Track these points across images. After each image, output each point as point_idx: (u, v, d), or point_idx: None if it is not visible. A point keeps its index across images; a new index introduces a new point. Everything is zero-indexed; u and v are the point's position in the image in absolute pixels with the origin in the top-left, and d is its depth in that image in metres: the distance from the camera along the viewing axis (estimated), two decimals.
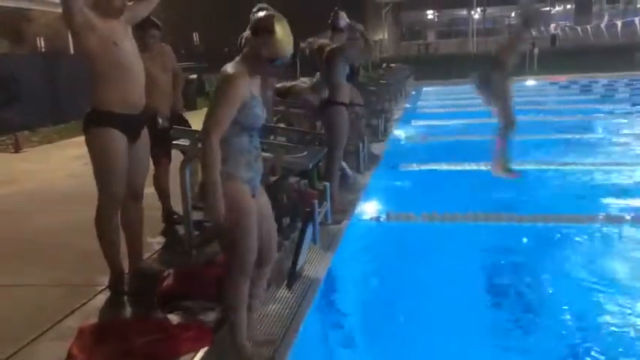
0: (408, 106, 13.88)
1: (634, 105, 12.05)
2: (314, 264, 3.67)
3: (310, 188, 4.68)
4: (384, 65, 15.88)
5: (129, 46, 3.13)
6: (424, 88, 18.62)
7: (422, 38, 36.30)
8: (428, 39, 36.30)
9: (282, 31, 2.33)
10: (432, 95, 16.96)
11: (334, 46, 4.66)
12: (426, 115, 12.37)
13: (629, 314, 3.20)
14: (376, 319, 3.26)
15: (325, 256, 3.84)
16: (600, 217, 4.81)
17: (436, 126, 10.76)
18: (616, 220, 4.75)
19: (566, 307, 3.32)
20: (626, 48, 22.96)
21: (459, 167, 6.88)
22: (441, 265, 4.00)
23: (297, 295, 3.24)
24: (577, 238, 4.44)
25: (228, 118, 2.30)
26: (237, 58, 2.42)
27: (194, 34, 23.27)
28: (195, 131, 3.49)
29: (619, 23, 22.40)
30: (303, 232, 3.32)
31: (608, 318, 3.16)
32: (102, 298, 3.34)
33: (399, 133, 9.76)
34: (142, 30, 4.06)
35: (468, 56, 27.44)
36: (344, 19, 4.60)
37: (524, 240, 4.54)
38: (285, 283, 3.24)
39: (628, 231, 4.53)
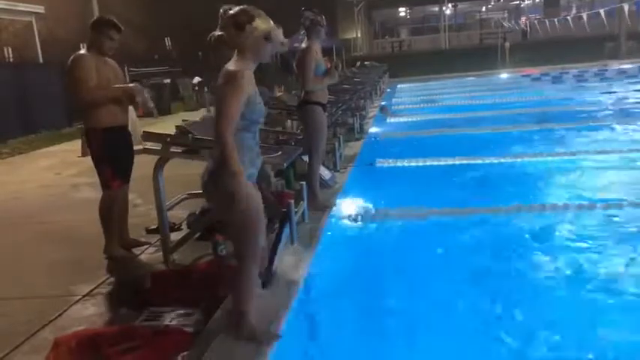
0: (383, 103, 13.95)
1: (603, 93, 12.30)
2: (293, 264, 3.65)
3: (287, 188, 4.69)
4: (358, 63, 15.92)
5: None
6: (399, 85, 18.75)
7: (395, 35, 36.50)
8: (401, 36, 36.51)
9: (259, 12, 2.55)
10: (407, 92, 17.06)
11: (304, 47, 4.65)
12: (401, 111, 12.44)
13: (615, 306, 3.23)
14: (357, 319, 3.25)
15: (304, 255, 3.82)
16: (581, 205, 4.87)
17: (411, 122, 10.83)
18: (590, 207, 4.83)
19: (550, 299, 3.34)
20: (594, 39, 23.40)
21: (435, 162, 6.93)
22: (422, 260, 4.01)
23: (276, 295, 3.22)
24: (557, 227, 4.47)
25: (237, 114, 2.42)
26: (235, 57, 2.55)
27: (166, 39, 23.04)
28: (167, 135, 3.45)
29: (585, 15, 22.83)
30: (279, 232, 3.30)
31: (597, 310, 3.18)
32: (77, 309, 3.28)
33: (375, 130, 9.80)
34: (98, 30, 3.86)
35: (440, 52, 27.72)
36: (307, 18, 4.61)
37: (503, 232, 4.56)
38: (261, 282, 3.22)
39: (601, 218, 4.60)
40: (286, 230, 3.41)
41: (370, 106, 12.31)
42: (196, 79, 17.81)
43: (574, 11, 30.37)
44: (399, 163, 7.00)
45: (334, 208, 4.99)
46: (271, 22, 2.56)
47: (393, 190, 5.99)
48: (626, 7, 20.95)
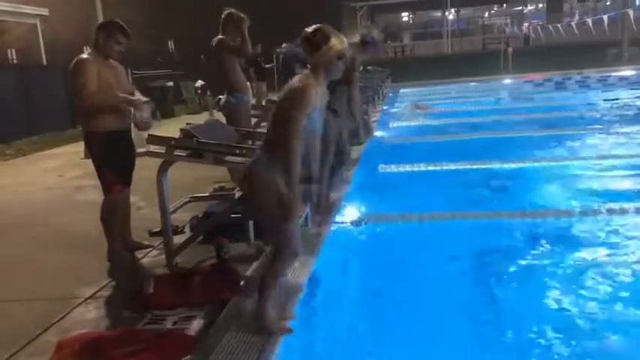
0: (385, 108, 13.97)
1: (606, 100, 12.30)
2: (295, 269, 3.65)
3: None
4: (361, 68, 15.94)
5: None
6: (401, 90, 18.75)
7: (398, 40, 36.56)
8: (404, 41, 36.56)
9: (334, 32, 2.73)
10: (409, 97, 17.07)
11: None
12: (402, 116, 12.44)
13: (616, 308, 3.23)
14: (360, 323, 3.25)
15: (307, 261, 3.82)
16: (580, 210, 4.87)
17: (414, 127, 10.83)
18: (594, 213, 4.82)
19: (549, 304, 3.33)
20: (597, 45, 23.41)
21: (437, 167, 6.93)
22: (425, 265, 4.00)
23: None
24: (559, 232, 4.47)
25: (302, 124, 2.61)
26: (306, 71, 2.73)
27: (169, 42, 23.10)
28: (171, 138, 3.46)
29: (589, 21, 22.85)
30: None
31: (595, 311, 3.18)
32: (80, 312, 3.29)
33: (378, 134, 9.80)
34: (106, 34, 3.86)
35: (443, 57, 27.75)
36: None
37: (506, 237, 4.55)
38: None
39: (603, 223, 4.59)
40: None
41: (373, 111, 12.31)
42: (199, 83, 17.85)
43: (577, 17, 30.39)
44: (402, 168, 7.01)
45: (337, 213, 5.00)
46: (345, 40, 2.74)
47: (395, 194, 6.00)
48: (631, 12, 20.96)
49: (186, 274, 3.33)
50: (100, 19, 13.02)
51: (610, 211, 4.79)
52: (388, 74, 19.20)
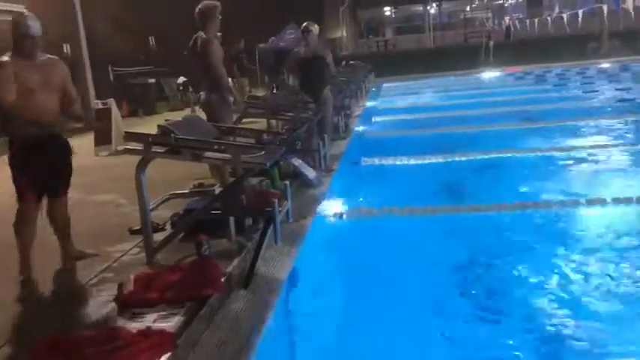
0: (368, 103, 13.97)
1: (585, 92, 12.45)
2: (277, 263, 3.65)
3: (272, 188, 4.68)
4: (344, 63, 15.92)
5: None
6: (384, 85, 18.78)
7: (381, 35, 36.54)
8: (386, 35, 36.56)
9: None
10: (391, 91, 17.12)
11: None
12: (386, 110, 12.47)
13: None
14: (340, 317, 3.26)
15: (288, 255, 3.82)
16: (559, 202, 4.93)
17: (397, 121, 10.86)
18: (571, 204, 4.88)
19: (531, 295, 3.37)
20: (577, 38, 23.62)
21: (419, 161, 6.96)
22: (407, 258, 4.02)
23: (258, 295, 3.21)
24: (538, 225, 4.52)
25: None
26: None
27: (150, 38, 22.85)
28: (148, 135, 3.42)
29: (564, 15, 23.11)
30: (264, 232, 3.30)
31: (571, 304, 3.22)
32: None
33: (361, 129, 9.82)
34: (14, 32, 3.52)
35: (425, 51, 27.81)
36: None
37: (488, 230, 4.58)
38: (243, 282, 3.22)
39: (578, 214, 4.65)
40: (270, 230, 3.40)
41: (356, 105, 12.32)
42: (181, 79, 17.69)
43: (557, 11, 30.63)
44: (385, 162, 7.03)
45: (319, 207, 4.99)
46: None
47: (378, 188, 6.03)
48: (604, 7, 21.20)
49: (166, 272, 3.30)
50: (79, 16, 12.82)
51: (589, 203, 4.86)
52: (371, 69, 19.21)
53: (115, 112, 9.16)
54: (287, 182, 4.24)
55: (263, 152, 3.42)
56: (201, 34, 4.95)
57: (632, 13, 23.41)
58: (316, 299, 3.47)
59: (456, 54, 24.23)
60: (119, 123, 9.14)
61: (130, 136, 3.33)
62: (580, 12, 21.52)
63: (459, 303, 3.37)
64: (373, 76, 19.44)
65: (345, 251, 4.34)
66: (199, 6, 5.03)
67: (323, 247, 4.31)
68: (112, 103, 9.21)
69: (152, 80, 16.76)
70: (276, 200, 3.53)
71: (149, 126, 5.24)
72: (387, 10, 36.66)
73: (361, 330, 3.12)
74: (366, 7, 34.46)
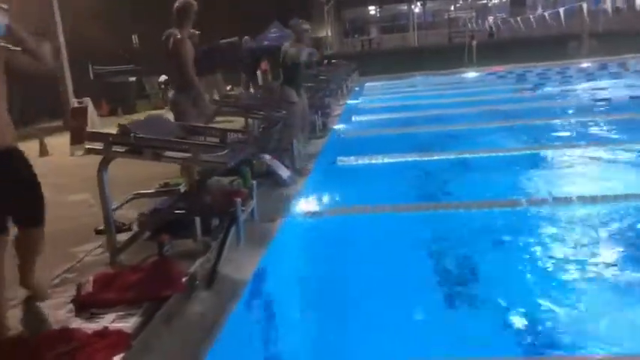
0: (350, 101, 13.97)
1: (565, 92, 12.56)
2: (242, 264, 3.64)
3: (244, 187, 4.67)
4: (326, 61, 15.93)
5: None
6: (367, 84, 18.81)
7: (366, 34, 36.65)
8: (371, 34, 36.67)
9: None
10: (374, 90, 17.15)
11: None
12: (367, 110, 12.48)
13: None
14: (303, 322, 3.25)
15: (254, 255, 3.80)
16: (537, 200, 4.96)
17: (377, 120, 10.88)
18: (549, 202, 4.91)
19: (507, 293, 3.39)
20: (558, 38, 23.86)
21: (396, 159, 6.97)
22: (380, 258, 4.01)
23: (220, 296, 3.20)
24: (513, 222, 4.54)
25: None
26: None
27: (133, 37, 22.66)
28: (109, 134, 3.40)
29: (547, 14, 23.31)
30: (226, 233, 3.29)
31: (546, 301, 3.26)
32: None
33: (339, 127, 9.82)
34: None
35: (409, 50, 27.93)
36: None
37: (463, 227, 4.60)
38: (205, 283, 3.21)
39: (559, 212, 4.68)
40: (233, 230, 3.39)
41: (337, 105, 12.32)
42: (162, 77, 17.57)
43: (539, 11, 30.93)
44: (361, 161, 7.03)
45: (291, 206, 4.98)
46: None
47: (353, 188, 6.02)
48: (584, 5, 21.40)
49: (126, 272, 3.27)
50: (57, 13, 12.64)
51: (557, 201, 4.90)
52: (354, 68, 19.23)
53: (92, 111, 9.08)
54: (254, 182, 4.22)
55: (226, 151, 3.40)
56: (175, 31, 4.93)
57: (610, 13, 23.68)
58: (279, 301, 3.45)
59: (439, 53, 24.35)
60: (95, 122, 9.07)
61: (91, 136, 3.29)
62: (561, 10, 21.66)
63: (433, 303, 3.37)
64: (357, 74, 19.46)
65: (313, 252, 4.32)
66: (177, 3, 5.01)
67: (291, 248, 4.29)
68: (88, 101, 9.13)
69: (133, 78, 16.61)
70: (239, 200, 3.51)
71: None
72: (372, 9, 36.78)
73: (323, 334, 3.11)
74: (350, 5, 34.53)
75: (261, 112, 5.83)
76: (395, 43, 31.93)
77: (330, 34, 32.34)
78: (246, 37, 13.93)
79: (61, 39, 12.63)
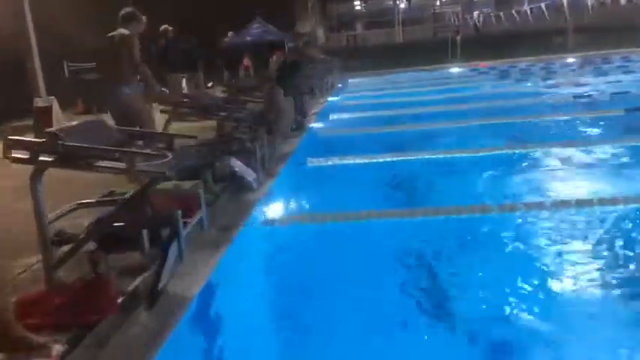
0: (330, 98, 13.71)
1: (549, 87, 12.40)
2: (188, 279, 3.38)
3: (206, 193, 4.40)
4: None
5: None
6: (350, 80, 18.55)
7: (351, 29, 36.36)
8: (357, 30, 36.39)
9: None
10: (357, 87, 16.92)
11: None
12: (347, 107, 12.21)
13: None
14: (250, 338, 3.01)
15: (204, 269, 3.54)
16: (517, 205, 4.74)
17: (357, 118, 10.62)
18: (534, 206, 4.69)
19: (489, 299, 3.20)
20: (543, 33, 23.76)
21: (371, 160, 6.71)
22: (349, 269, 3.77)
23: (159, 317, 2.94)
24: (496, 228, 4.32)
25: None
26: None
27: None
28: (35, 142, 3.11)
29: (528, 9, 23.23)
30: (166, 247, 3.02)
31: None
32: None
33: (316, 126, 9.57)
34: None
35: (394, 46, 27.72)
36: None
37: (441, 234, 4.35)
38: (147, 303, 2.95)
39: (544, 217, 4.47)
40: (174, 244, 3.13)
41: (317, 102, 12.06)
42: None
43: (525, 6, 30.82)
44: (334, 162, 6.77)
45: (250, 214, 4.72)
46: None
47: (322, 191, 5.77)
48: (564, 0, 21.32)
49: (53, 293, 3.00)
50: (27, 8, 12.22)
51: (541, 205, 4.69)
52: (337, 64, 18.94)
53: (57, 111, 8.73)
54: (200, 190, 3.95)
55: (167, 159, 3.13)
56: (123, 30, 4.74)
57: (590, 9, 23.64)
58: (226, 320, 3.20)
59: (424, 49, 24.17)
60: (61, 122, 8.72)
61: (15, 144, 2.99)
62: (543, 5, 21.58)
63: (397, 316, 3.17)
64: (340, 71, 19.18)
65: (271, 263, 4.07)
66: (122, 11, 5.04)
67: (246, 259, 4.03)
68: (53, 101, 8.78)
69: None
70: (178, 212, 3.24)
71: None
72: (357, 5, 36.52)
73: (273, 354, 2.88)
74: (335, 1, 34.27)
75: (222, 113, 5.53)
76: (380, 38, 31.68)
77: (311, 29, 32.09)
78: (230, 32, 13.59)
79: (32, 34, 12.20)
